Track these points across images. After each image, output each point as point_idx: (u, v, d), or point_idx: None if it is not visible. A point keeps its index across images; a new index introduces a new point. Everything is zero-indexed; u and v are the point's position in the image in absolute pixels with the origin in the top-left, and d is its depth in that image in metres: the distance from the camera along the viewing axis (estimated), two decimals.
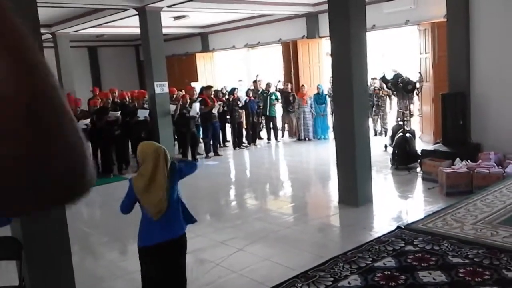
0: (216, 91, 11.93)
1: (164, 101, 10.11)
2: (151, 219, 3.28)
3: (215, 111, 10.92)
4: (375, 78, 11.28)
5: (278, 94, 12.57)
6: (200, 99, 10.91)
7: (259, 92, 12.81)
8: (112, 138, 9.32)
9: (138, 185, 3.29)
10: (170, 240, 3.31)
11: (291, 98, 12.48)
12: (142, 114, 9.90)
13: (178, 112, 10.20)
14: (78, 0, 9.49)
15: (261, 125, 13.13)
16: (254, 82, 13.12)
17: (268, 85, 12.61)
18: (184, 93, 11.32)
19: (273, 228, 5.82)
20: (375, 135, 11.46)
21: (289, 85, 12.67)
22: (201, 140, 11.45)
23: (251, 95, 12.13)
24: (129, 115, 9.92)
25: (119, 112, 9.54)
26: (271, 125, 12.54)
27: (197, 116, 10.49)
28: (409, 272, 4.14)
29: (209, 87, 11.64)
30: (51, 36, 13.30)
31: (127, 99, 10.80)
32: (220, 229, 5.97)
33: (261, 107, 12.49)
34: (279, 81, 13.15)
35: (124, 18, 11.31)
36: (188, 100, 10.59)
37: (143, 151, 3.36)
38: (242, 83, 14.71)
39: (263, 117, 12.71)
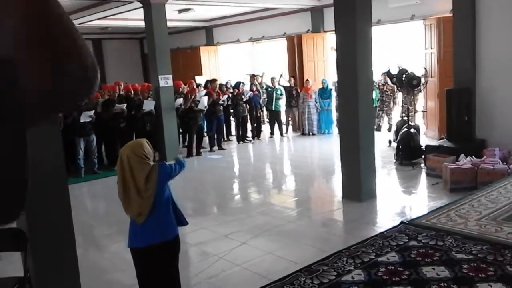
0: (221, 85, 11.91)
1: (168, 94, 10.09)
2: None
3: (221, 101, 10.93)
4: (383, 74, 11.09)
5: (282, 89, 12.54)
6: (205, 92, 10.91)
7: (264, 88, 12.80)
8: (118, 130, 9.30)
9: (118, 190, 3.25)
10: (160, 243, 3.21)
11: (294, 92, 12.46)
12: (148, 106, 9.82)
13: (187, 105, 10.16)
14: None
15: (263, 120, 13.10)
16: (251, 76, 13.12)
17: (273, 79, 12.57)
18: (188, 87, 11.29)
19: (276, 222, 5.83)
20: (379, 130, 11.42)
21: (292, 80, 12.64)
22: (205, 134, 11.44)
23: (254, 89, 12.12)
24: (135, 108, 9.90)
25: (125, 104, 9.52)
26: (276, 120, 12.53)
27: (205, 109, 10.47)
28: (413, 268, 4.14)
29: (214, 80, 11.62)
30: None
31: (132, 92, 10.80)
32: (223, 223, 5.98)
33: (265, 102, 12.47)
34: (281, 76, 12.81)
35: (129, 10, 11.28)
36: (197, 94, 10.58)
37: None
38: (247, 77, 14.66)
39: (267, 112, 12.71)
